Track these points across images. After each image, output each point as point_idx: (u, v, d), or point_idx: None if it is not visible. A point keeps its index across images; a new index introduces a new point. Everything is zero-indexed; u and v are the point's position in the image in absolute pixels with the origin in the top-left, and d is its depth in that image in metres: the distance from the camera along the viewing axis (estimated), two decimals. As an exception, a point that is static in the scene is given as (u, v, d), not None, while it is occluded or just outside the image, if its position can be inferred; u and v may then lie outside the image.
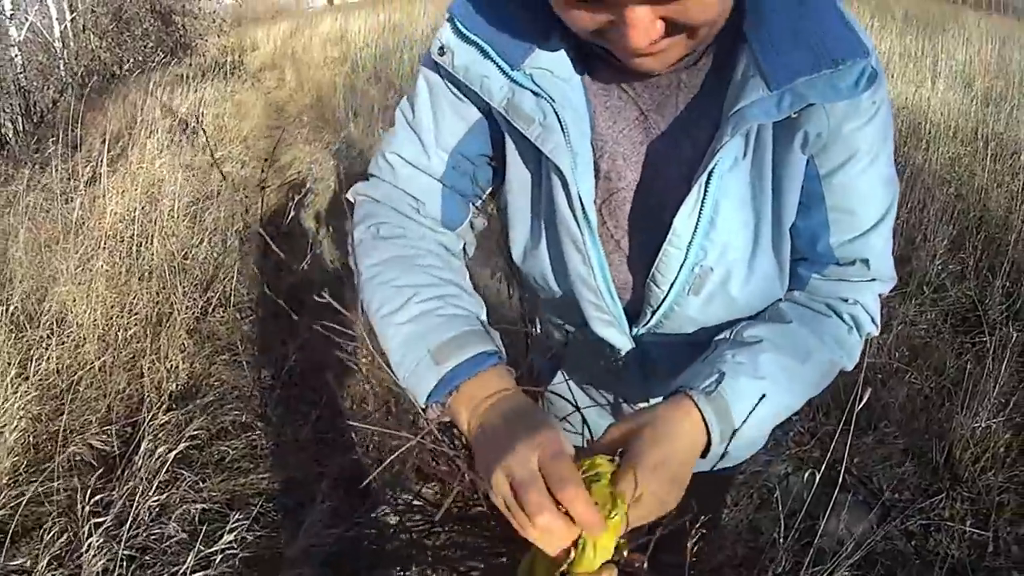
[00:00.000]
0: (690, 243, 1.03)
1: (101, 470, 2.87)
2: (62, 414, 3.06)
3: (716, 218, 1.01)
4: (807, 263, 1.12)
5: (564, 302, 1.19)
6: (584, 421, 1.20)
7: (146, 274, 4.02)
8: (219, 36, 10.54)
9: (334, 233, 5.11)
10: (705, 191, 0.99)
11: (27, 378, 3.12)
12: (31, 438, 2.97)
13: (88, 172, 4.67)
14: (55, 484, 2.78)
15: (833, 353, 1.07)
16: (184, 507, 2.79)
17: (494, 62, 1.03)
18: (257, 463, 3.16)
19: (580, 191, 1.03)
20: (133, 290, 3.87)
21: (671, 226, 1.02)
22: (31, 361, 3.22)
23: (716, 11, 0.88)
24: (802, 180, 1.03)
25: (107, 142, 4.70)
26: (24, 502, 2.70)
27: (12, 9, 7.42)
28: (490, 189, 1.22)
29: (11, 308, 3.49)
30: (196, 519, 2.77)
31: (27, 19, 7.72)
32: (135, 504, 2.67)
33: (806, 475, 3.03)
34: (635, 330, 1.17)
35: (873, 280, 1.12)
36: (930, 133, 6.37)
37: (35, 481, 2.78)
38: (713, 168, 0.97)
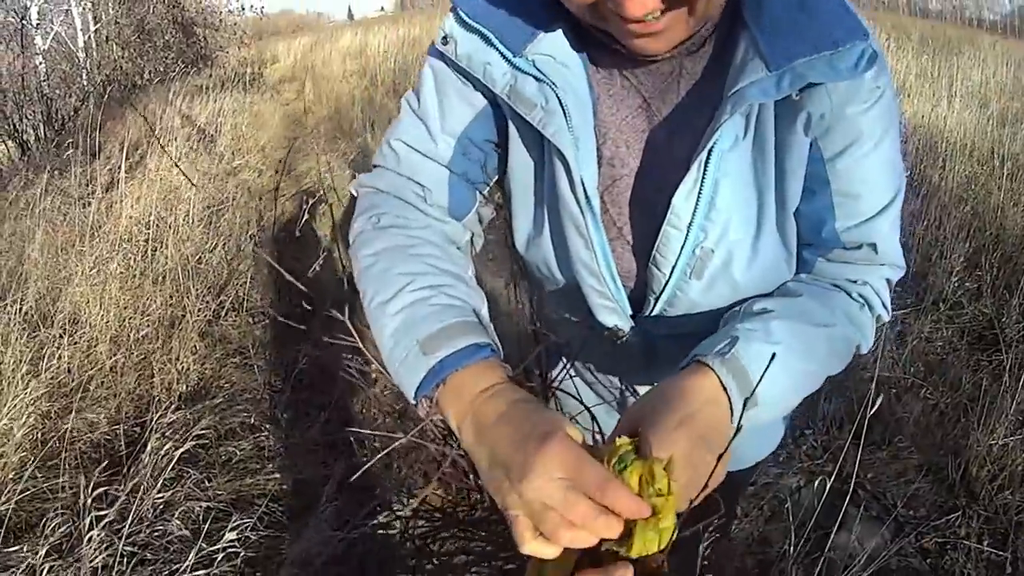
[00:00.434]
0: (690, 224, 1.02)
1: (107, 466, 2.88)
2: (71, 412, 3.07)
3: (716, 198, 1.01)
4: (812, 248, 1.11)
5: (568, 291, 1.18)
6: (593, 418, 1.17)
7: (160, 277, 4.04)
8: (239, 48, 10.62)
9: (346, 240, 5.11)
10: (704, 170, 0.99)
11: (38, 376, 3.13)
12: (39, 434, 2.98)
13: (106, 178, 4.72)
14: (60, 480, 2.79)
15: (846, 328, 1.05)
16: (188, 505, 2.80)
17: (496, 49, 1.03)
18: (263, 464, 3.16)
19: (582, 175, 1.02)
20: (147, 292, 3.90)
21: (671, 207, 1.02)
22: (43, 359, 3.24)
23: None
24: (806, 163, 1.03)
25: (126, 149, 4.74)
26: (29, 497, 2.72)
27: (39, 19, 7.52)
28: (496, 177, 1.21)
29: (25, 308, 3.52)
30: (200, 517, 2.77)
31: (52, 29, 7.83)
32: (139, 500, 2.67)
33: (816, 484, 3.01)
34: (638, 319, 1.17)
35: (881, 265, 1.10)
36: (946, 152, 6.36)
37: (41, 477, 2.79)
38: (712, 147, 0.97)
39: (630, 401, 1.36)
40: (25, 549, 2.51)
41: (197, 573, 2.51)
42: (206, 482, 2.95)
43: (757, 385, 0.89)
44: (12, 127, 6.23)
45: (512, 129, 1.11)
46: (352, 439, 3.29)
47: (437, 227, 1.13)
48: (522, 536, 0.79)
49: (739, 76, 0.94)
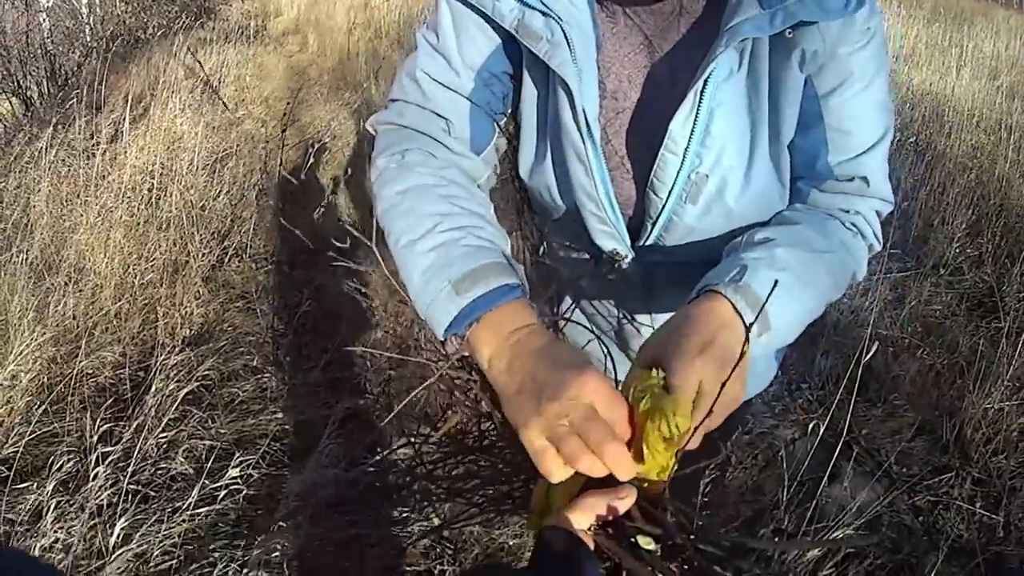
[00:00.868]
0: (686, 149, 1.07)
1: (112, 408, 2.91)
2: (77, 357, 3.10)
3: (711, 126, 1.05)
4: (806, 180, 1.15)
5: (569, 218, 1.22)
6: (606, 351, 1.19)
7: (164, 224, 4.06)
8: (243, 1, 10.56)
9: (349, 189, 5.14)
10: (700, 99, 1.03)
11: (44, 322, 3.16)
12: (46, 379, 3.01)
13: (110, 130, 4.72)
14: (67, 423, 2.83)
15: (843, 255, 1.09)
16: (192, 444, 2.84)
17: None
18: (266, 405, 3.19)
19: (584, 106, 1.06)
20: (151, 239, 3.92)
21: (667, 133, 1.06)
22: (49, 306, 3.26)
23: None
24: (801, 98, 1.07)
25: (129, 102, 4.75)
26: (36, 440, 2.75)
27: (42, -24, 7.48)
28: (511, 109, 1.24)
29: (31, 257, 3.54)
30: (203, 456, 2.81)
31: (56, -15, 7.79)
32: (143, 439, 2.70)
33: (810, 429, 3.03)
34: (637, 246, 1.21)
35: (872, 197, 1.14)
36: (953, 120, 6.36)
37: (47, 420, 2.82)
38: (708, 77, 1.01)
39: (628, 330, 1.39)
40: (35, 487, 2.55)
41: (200, 509, 2.56)
42: (209, 422, 2.98)
43: (764, 306, 0.91)
44: (16, 83, 6.21)
45: (524, 61, 1.15)
46: (354, 378, 3.32)
47: (458, 165, 1.15)
48: (539, 456, 0.83)
49: (734, 13, 1.00)
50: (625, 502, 0.81)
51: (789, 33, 0.99)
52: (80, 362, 3.07)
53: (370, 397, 3.22)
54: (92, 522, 2.40)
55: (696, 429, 0.82)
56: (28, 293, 3.25)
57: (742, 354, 0.86)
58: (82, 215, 3.85)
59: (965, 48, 8.35)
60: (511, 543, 2.60)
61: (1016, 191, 5.29)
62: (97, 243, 3.69)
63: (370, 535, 2.61)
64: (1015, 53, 8.77)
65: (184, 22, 8.33)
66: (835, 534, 2.58)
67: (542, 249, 1.49)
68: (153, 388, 2.96)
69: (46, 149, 4.29)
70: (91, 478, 2.51)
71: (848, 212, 1.13)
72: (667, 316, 1.06)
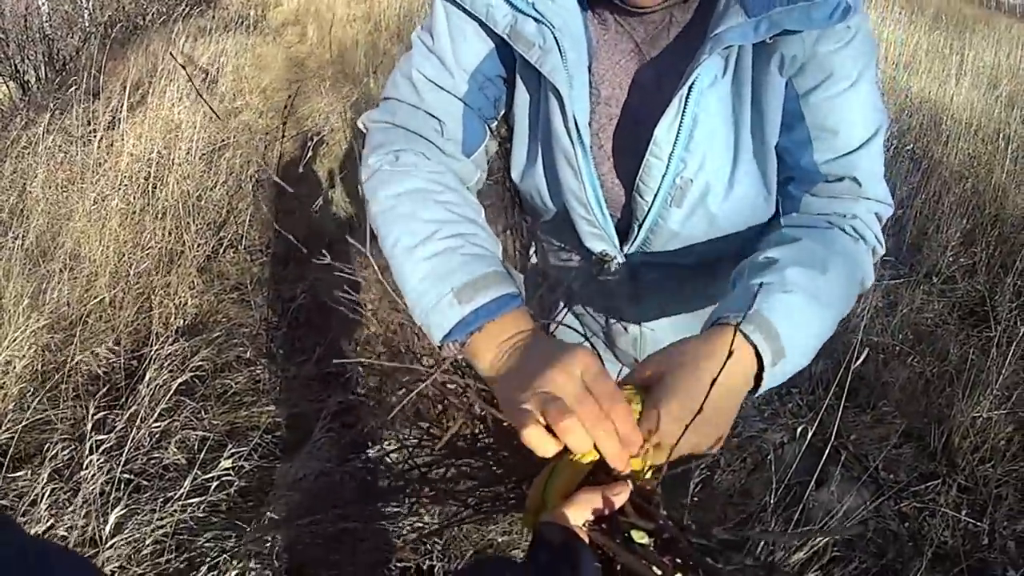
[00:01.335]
0: (671, 154, 1.08)
1: (106, 397, 2.92)
2: (71, 344, 3.10)
3: (695, 131, 1.07)
4: (796, 182, 1.15)
5: (558, 220, 1.24)
6: (594, 349, 1.20)
7: (160, 214, 4.05)
8: (242, -10, 10.51)
9: (346, 183, 5.13)
10: (685, 105, 1.05)
11: (39, 309, 3.16)
12: (40, 366, 3.01)
13: (108, 117, 4.71)
14: (60, 411, 2.83)
15: (847, 264, 1.07)
16: (184, 434, 2.84)
17: None
18: (259, 397, 3.19)
19: (575, 111, 1.08)
20: (147, 228, 3.91)
21: (652, 137, 1.08)
22: (43, 293, 3.26)
23: None
24: (783, 101, 1.08)
25: (127, 89, 4.73)
26: (29, 427, 2.75)
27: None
28: (503, 112, 1.25)
29: (26, 243, 3.53)
30: (195, 447, 2.81)
31: (55, -31, 7.74)
32: (136, 428, 2.71)
33: (799, 436, 3.04)
34: (625, 248, 1.22)
35: (867, 199, 1.13)
36: (951, 129, 6.34)
37: (41, 407, 2.82)
38: (692, 83, 1.03)
39: (615, 330, 1.42)
40: (28, 474, 2.55)
41: (192, 500, 2.56)
42: (202, 413, 2.98)
43: (777, 333, 0.92)
44: (14, 68, 6.18)
45: (517, 66, 1.16)
46: (346, 373, 3.32)
47: (451, 169, 1.15)
48: (525, 423, 0.83)
49: (720, 21, 1.01)
50: (619, 498, 0.82)
51: (770, 40, 1.00)
52: (74, 350, 3.07)
53: (362, 392, 3.23)
54: (86, 510, 2.41)
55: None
56: (23, 280, 3.25)
57: (757, 384, 0.90)
58: (78, 202, 3.84)
59: (965, 56, 8.34)
60: (500, 540, 2.62)
61: (1012, 201, 5.29)
62: (93, 231, 3.69)
63: (361, 529, 2.61)
64: (1016, 62, 8.75)
65: (183, 10, 8.30)
66: (821, 538, 2.59)
67: (532, 250, 1.51)
68: (147, 377, 2.95)
69: (43, 135, 4.29)
70: (84, 466, 2.51)
71: (844, 216, 1.12)
72: (653, 315, 1.12)
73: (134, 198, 4.07)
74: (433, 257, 1.00)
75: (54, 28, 6.86)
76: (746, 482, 3.01)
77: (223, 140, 5.10)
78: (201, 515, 2.56)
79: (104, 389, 2.99)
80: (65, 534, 2.35)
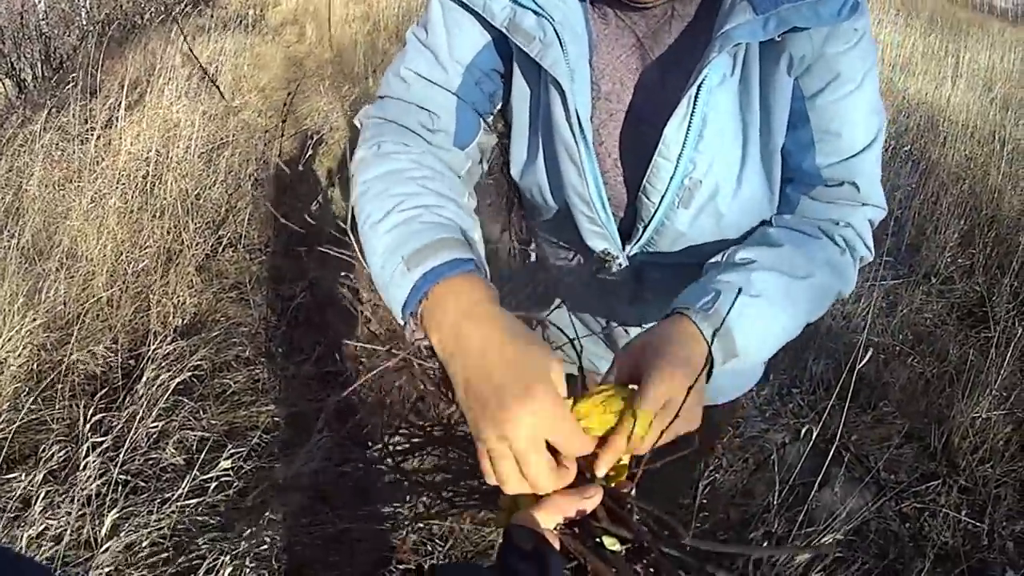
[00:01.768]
0: (680, 155, 1.07)
1: (103, 397, 2.89)
2: (67, 344, 3.08)
3: (704, 131, 1.06)
4: (795, 184, 1.15)
5: (560, 217, 1.23)
6: (579, 352, 1.18)
7: (158, 212, 4.02)
8: (241, -11, 10.49)
9: (345, 181, 5.11)
10: (694, 105, 1.04)
11: (34, 308, 3.13)
12: (35, 366, 2.99)
13: (105, 115, 4.68)
14: (56, 411, 2.80)
15: (826, 276, 1.09)
16: (182, 434, 2.82)
17: None
18: (258, 397, 3.17)
19: (577, 105, 1.07)
20: (145, 227, 3.89)
21: (661, 138, 1.06)
22: (39, 292, 3.23)
23: None
24: (790, 102, 1.08)
25: (125, 88, 4.70)
26: (24, 427, 2.73)
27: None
28: (499, 106, 1.24)
29: (22, 242, 3.50)
30: (194, 447, 2.79)
31: (52, -34, 7.72)
32: (134, 428, 2.68)
33: (803, 436, 3.04)
34: (628, 248, 1.20)
35: (864, 205, 1.14)
36: (947, 130, 6.39)
37: (36, 407, 2.79)
38: (701, 83, 1.02)
39: (617, 331, 1.40)
40: (22, 476, 2.52)
41: (190, 501, 2.53)
42: (201, 413, 2.96)
43: (729, 332, 0.95)
44: (10, 65, 6.17)
45: (515, 59, 1.15)
46: (345, 372, 3.31)
47: (435, 154, 1.13)
48: (485, 471, 0.83)
49: (727, 18, 1.00)
50: (591, 502, 0.82)
51: (778, 38, 0.99)
52: (71, 349, 3.04)
53: (361, 392, 3.21)
54: (81, 512, 2.38)
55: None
56: (19, 278, 3.22)
57: (702, 374, 0.89)
58: (75, 200, 3.81)
59: (961, 59, 8.39)
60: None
61: (1008, 203, 5.32)
62: (90, 229, 3.66)
63: (360, 530, 2.59)
64: (1009, 66, 8.85)
65: (182, 9, 8.29)
66: (823, 539, 2.58)
67: (532, 247, 1.48)
68: (144, 377, 2.94)
69: (39, 133, 4.26)
70: (81, 467, 2.48)
71: (838, 224, 1.13)
72: (655, 317, 1.10)
73: (132, 197, 4.05)
74: (393, 229, 0.97)
75: (51, 26, 6.85)
76: (748, 482, 3.00)
77: (222, 139, 5.08)
78: (199, 516, 2.53)
79: (101, 389, 2.96)
80: (60, 536, 2.32)
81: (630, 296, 1.30)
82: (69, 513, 2.36)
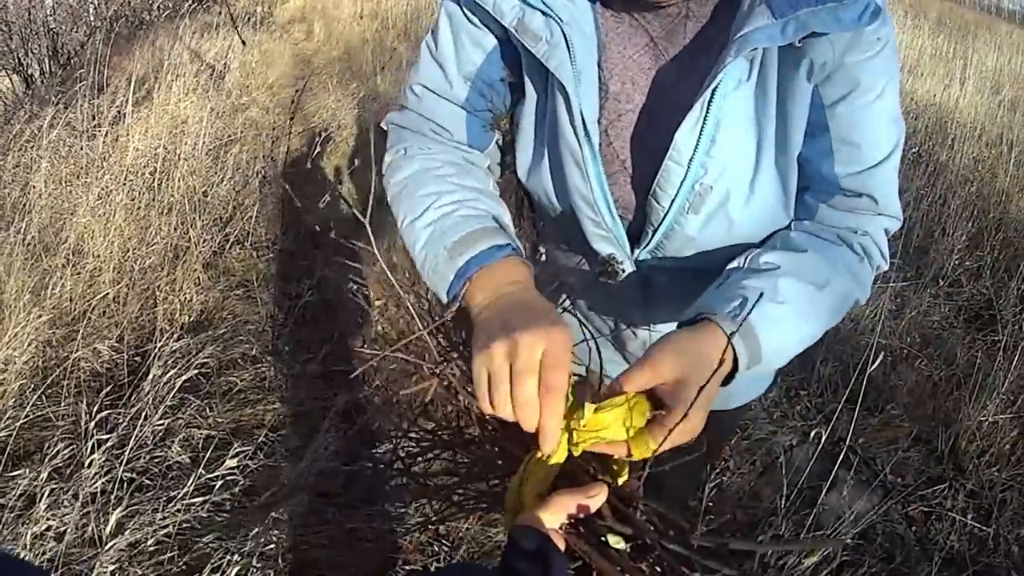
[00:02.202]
0: (691, 160, 1.05)
1: (108, 394, 2.88)
2: (73, 340, 3.07)
3: (717, 136, 1.04)
4: (813, 191, 1.14)
5: (566, 220, 1.21)
6: (594, 350, 1.19)
7: (166, 209, 4.02)
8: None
9: (353, 179, 5.11)
10: (707, 110, 1.02)
11: (41, 304, 3.12)
12: (40, 362, 2.98)
13: (112, 112, 4.67)
14: (61, 407, 2.79)
15: (847, 283, 1.08)
16: (188, 432, 2.81)
17: None
18: (264, 395, 3.16)
19: (582, 108, 1.06)
20: (152, 224, 3.88)
21: (672, 142, 1.05)
22: (46, 288, 3.22)
23: None
24: (808, 109, 1.06)
25: (133, 84, 4.70)
26: (29, 424, 2.72)
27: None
28: (510, 111, 1.26)
29: (28, 237, 3.50)
30: (199, 445, 2.78)
31: (60, -38, 7.72)
32: (140, 426, 2.67)
33: (811, 438, 3.03)
34: (636, 252, 1.19)
35: (880, 215, 1.13)
36: (956, 132, 6.37)
37: (42, 404, 2.78)
38: (716, 87, 1.00)
39: (625, 334, 1.39)
40: (27, 473, 2.51)
41: (195, 499, 2.52)
42: (207, 410, 2.95)
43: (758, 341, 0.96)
44: (17, 61, 6.17)
45: (523, 62, 1.15)
46: (353, 371, 3.29)
47: (458, 153, 1.21)
48: (476, 387, 0.89)
49: (745, 21, 0.98)
50: (596, 500, 0.83)
51: (799, 43, 0.97)
52: (77, 346, 3.03)
53: (369, 391, 3.20)
54: (85, 510, 2.36)
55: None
56: (25, 274, 3.21)
57: (716, 377, 0.89)
58: (82, 197, 3.80)
59: (969, 61, 8.37)
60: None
61: (1016, 205, 5.32)
62: (97, 226, 3.65)
63: (366, 530, 2.58)
64: (1017, 68, 8.85)
65: (190, 5, 8.28)
66: (831, 546, 2.57)
67: (541, 249, 1.48)
68: (151, 375, 2.92)
69: (47, 128, 4.25)
70: (86, 465, 2.47)
71: (856, 232, 1.12)
72: (664, 321, 1.16)
73: (139, 193, 4.04)
74: (431, 224, 1.08)
75: (58, 22, 6.83)
76: (755, 485, 2.99)
77: (230, 136, 5.08)
78: (204, 515, 2.52)
79: (107, 386, 2.95)
80: (63, 533, 2.31)
81: (638, 299, 1.29)
82: (74, 511, 2.35)
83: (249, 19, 8.32)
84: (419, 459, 1.14)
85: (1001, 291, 4.35)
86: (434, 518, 1.14)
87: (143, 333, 3.35)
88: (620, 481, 0.90)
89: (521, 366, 0.85)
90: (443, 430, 1.12)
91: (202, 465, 2.60)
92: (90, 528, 2.34)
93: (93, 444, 2.53)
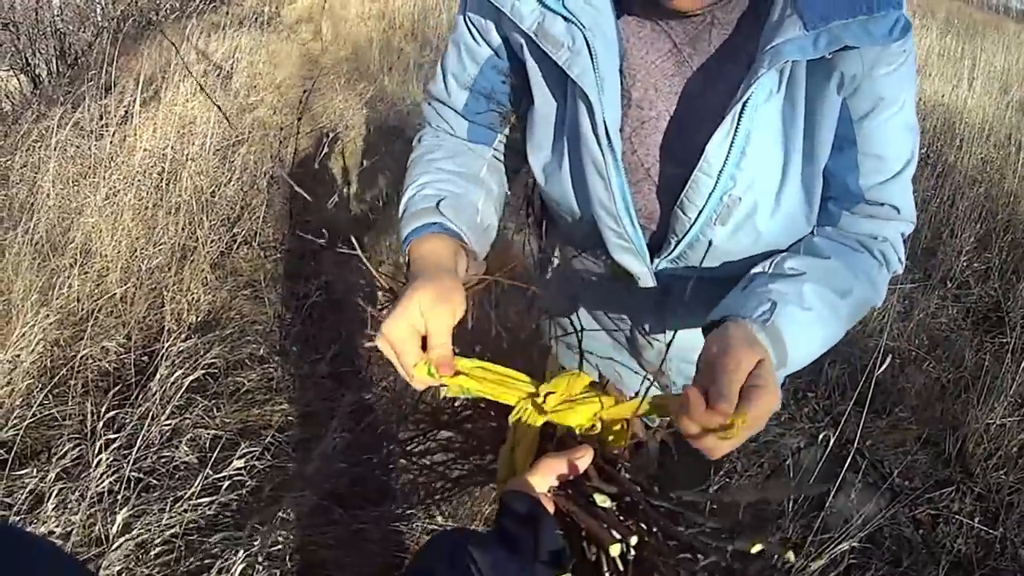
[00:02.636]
0: (721, 171, 1.05)
1: (116, 394, 2.87)
2: (81, 340, 3.07)
3: (747, 148, 1.04)
4: (836, 200, 1.14)
5: (585, 227, 1.21)
6: (607, 363, 1.24)
7: (173, 209, 4.01)
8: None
9: (361, 179, 5.11)
10: (738, 122, 1.01)
11: (48, 304, 3.12)
12: (48, 362, 2.98)
13: (120, 112, 4.67)
14: (69, 407, 2.79)
15: (866, 290, 1.10)
16: (196, 432, 2.80)
17: None
18: (271, 395, 3.15)
19: (605, 116, 1.05)
20: (159, 224, 3.87)
21: (703, 154, 1.04)
22: (53, 288, 3.22)
23: None
24: (836, 121, 1.05)
25: (140, 84, 4.70)
26: (36, 424, 2.72)
27: (54, -47, 7.43)
28: (513, 110, 1.28)
29: (36, 237, 3.50)
30: (207, 446, 2.77)
31: (68, -37, 7.72)
32: (147, 426, 2.66)
33: (820, 440, 3.02)
34: (656, 261, 1.19)
35: (900, 221, 1.15)
36: (964, 133, 6.35)
37: (49, 404, 2.78)
38: (747, 100, 1.00)
39: (641, 342, 1.39)
40: (35, 473, 2.51)
41: (202, 499, 2.51)
42: (214, 411, 2.94)
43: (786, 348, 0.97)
44: (25, 61, 6.18)
45: (534, 68, 1.14)
46: (360, 372, 3.29)
47: (464, 144, 1.29)
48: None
49: (776, 32, 0.97)
50: (583, 462, 0.88)
51: (829, 55, 0.96)
52: (84, 346, 3.03)
53: (376, 391, 3.19)
54: (92, 510, 2.36)
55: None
56: (32, 274, 3.22)
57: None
58: (90, 197, 3.80)
59: (977, 61, 8.34)
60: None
61: (1024, 207, 5.29)
62: (105, 226, 3.65)
63: (374, 530, 2.58)
64: (1025, 68, 8.74)
65: (197, 6, 8.29)
66: (839, 547, 2.56)
67: (556, 253, 1.47)
68: (158, 375, 2.92)
69: (55, 129, 4.25)
70: (93, 465, 2.47)
71: (876, 239, 1.14)
72: (680, 329, 1.14)
73: (147, 193, 4.04)
74: (403, 202, 1.19)
75: (66, 22, 6.84)
76: (763, 487, 2.97)
77: (237, 136, 5.07)
78: (212, 515, 2.51)
79: (114, 386, 2.95)
80: (70, 533, 2.31)
81: (656, 308, 1.29)
82: (81, 510, 2.34)
83: (256, 19, 8.32)
84: (417, 440, 1.20)
85: (1009, 293, 4.33)
86: (436, 496, 1.19)
87: (150, 333, 3.35)
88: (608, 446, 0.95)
89: (398, 336, 0.96)
90: (441, 412, 1.16)
91: (209, 465, 2.60)
92: (97, 528, 2.33)
93: (101, 444, 2.53)
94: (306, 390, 3.23)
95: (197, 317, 3.49)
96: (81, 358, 2.98)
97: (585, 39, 1.03)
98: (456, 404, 1.15)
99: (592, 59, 1.03)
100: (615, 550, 0.80)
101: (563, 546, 0.82)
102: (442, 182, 1.19)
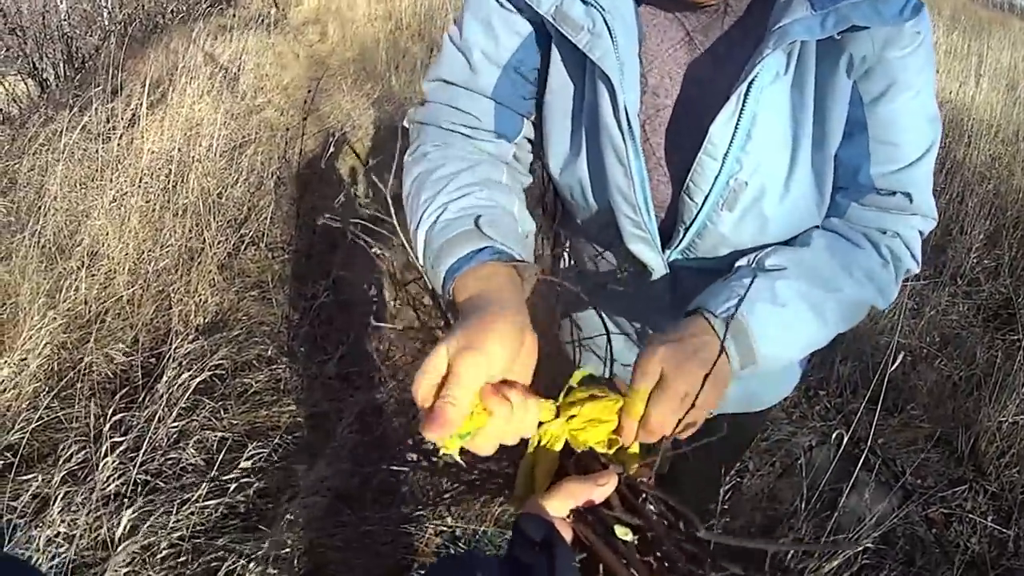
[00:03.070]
0: (726, 154, 1.03)
1: (123, 396, 2.87)
2: (88, 342, 3.06)
3: (753, 130, 1.01)
4: (846, 191, 1.11)
5: (600, 217, 1.18)
6: (609, 342, 1.18)
7: (180, 211, 4.01)
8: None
9: (368, 180, 5.10)
10: (744, 103, 0.99)
11: (55, 307, 3.12)
12: (55, 365, 2.97)
13: (127, 114, 4.67)
14: (75, 410, 2.79)
15: (863, 288, 1.07)
16: (203, 434, 2.79)
17: None
18: (279, 397, 3.14)
19: (626, 101, 1.02)
20: (167, 226, 3.87)
21: (707, 135, 1.02)
22: (60, 291, 3.22)
23: None
24: (847, 105, 1.03)
25: (147, 87, 4.70)
26: (43, 427, 2.71)
27: (60, -43, 7.45)
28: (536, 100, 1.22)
29: (43, 240, 3.50)
30: (214, 447, 2.76)
31: (74, -33, 7.75)
32: (154, 428, 2.66)
33: (833, 438, 3.02)
34: (668, 252, 1.17)
35: (914, 215, 1.10)
36: (972, 130, 6.33)
37: (56, 407, 2.78)
38: (752, 80, 0.98)
39: (649, 334, 1.36)
40: (40, 476, 2.50)
41: (209, 502, 2.51)
42: (221, 412, 2.94)
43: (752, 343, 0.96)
44: (32, 65, 6.19)
45: (554, 52, 1.11)
46: (368, 374, 3.28)
47: (480, 146, 1.15)
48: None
49: (783, 13, 0.95)
50: (605, 489, 0.82)
51: (838, 36, 0.95)
52: (91, 348, 3.02)
53: (385, 392, 3.18)
54: (99, 512, 2.35)
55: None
56: (40, 277, 3.22)
57: (716, 362, 0.90)
58: (97, 199, 3.80)
59: (984, 57, 8.32)
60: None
61: (1033, 203, 5.27)
62: (112, 228, 3.65)
63: (382, 532, 2.57)
64: (1032, 65, 8.72)
65: (204, 8, 8.31)
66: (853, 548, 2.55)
67: (566, 248, 1.45)
68: (165, 376, 2.91)
69: (62, 132, 4.25)
70: (99, 467, 2.46)
71: (886, 233, 1.10)
72: None
73: (154, 196, 4.04)
74: (423, 232, 1.03)
75: (73, 26, 6.85)
76: (774, 486, 2.96)
77: (244, 137, 5.08)
78: (219, 517, 2.51)
79: (121, 388, 2.94)
80: (75, 536, 2.30)
81: (666, 300, 1.26)
82: (87, 513, 2.34)
83: (263, 21, 8.33)
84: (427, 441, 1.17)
85: (1020, 289, 4.33)
86: (446, 497, 1.15)
87: (158, 335, 3.34)
88: (632, 470, 0.90)
89: (427, 368, 0.81)
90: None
91: (216, 467, 2.60)
92: (103, 530, 2.33)
93: (107, 447, 2.52)
94: (314, 391, 3.22)
95: (204, 318, 3.48)
96: (88, 361, 2.98)
97: (605, 21, 1.01)
98: None
99: (613, 42, 1.01)
100: None
101: None
102: (467, 196, 1.05)
